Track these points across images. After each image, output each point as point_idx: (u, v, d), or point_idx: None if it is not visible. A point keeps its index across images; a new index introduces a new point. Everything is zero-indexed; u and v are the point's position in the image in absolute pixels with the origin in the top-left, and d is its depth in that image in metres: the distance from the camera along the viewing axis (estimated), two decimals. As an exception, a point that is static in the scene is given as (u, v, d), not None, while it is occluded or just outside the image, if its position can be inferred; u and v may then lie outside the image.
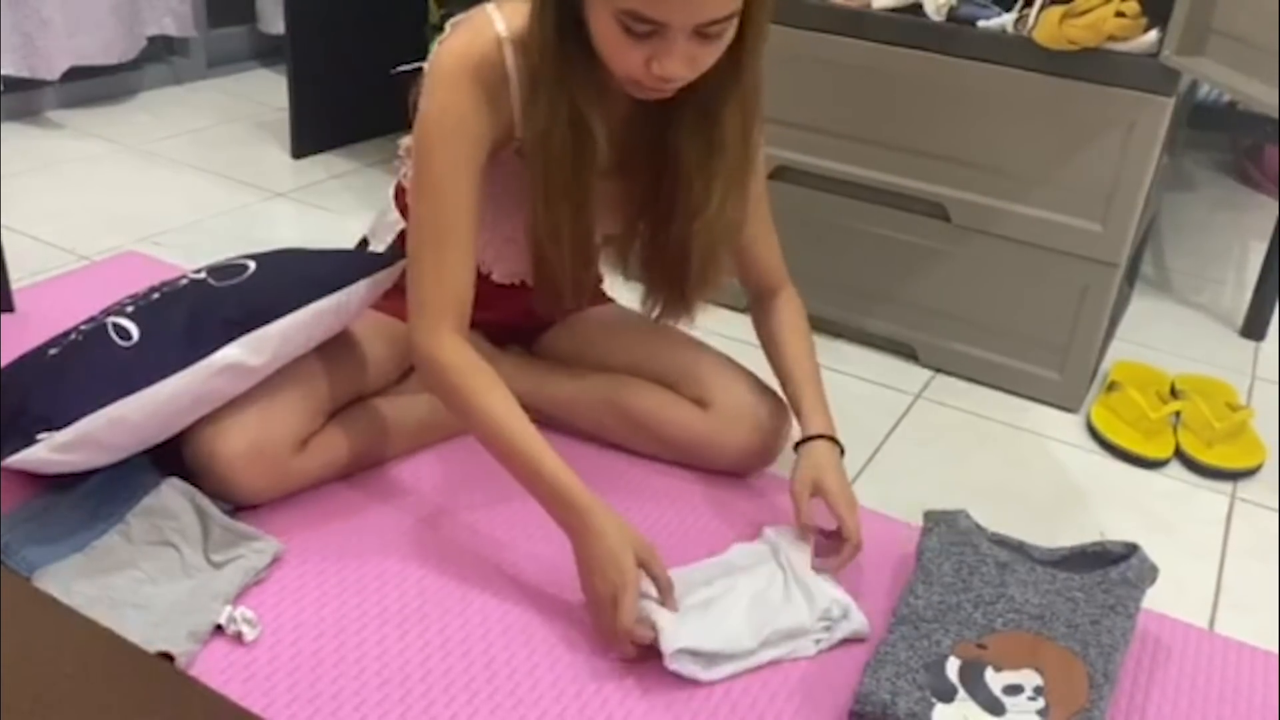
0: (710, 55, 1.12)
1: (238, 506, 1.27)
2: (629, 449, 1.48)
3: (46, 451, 1.15)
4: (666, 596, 1.14)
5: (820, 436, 1.31)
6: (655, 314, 1.40)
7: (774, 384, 1.45)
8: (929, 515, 1.32)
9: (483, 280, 1.38)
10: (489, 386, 1.20)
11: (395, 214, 1.46)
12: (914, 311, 1.83)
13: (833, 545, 1.26)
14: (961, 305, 1.78)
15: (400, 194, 1.45)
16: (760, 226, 1.40)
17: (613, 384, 1.47)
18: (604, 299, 1.61)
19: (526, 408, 1.50)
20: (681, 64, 1.09)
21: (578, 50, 1.14)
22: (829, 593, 1.20)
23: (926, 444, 1.63)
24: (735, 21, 1.11)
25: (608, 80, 1.17)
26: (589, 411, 1.48)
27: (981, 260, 1.74)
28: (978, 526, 1.30)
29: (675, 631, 1.10)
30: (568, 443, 1.49)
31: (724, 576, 1.22)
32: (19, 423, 1.17)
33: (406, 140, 1.36)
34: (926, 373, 1.83)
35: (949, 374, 1.83)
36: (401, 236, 1.45)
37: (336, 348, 1.37)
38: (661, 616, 1.11)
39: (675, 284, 1.35)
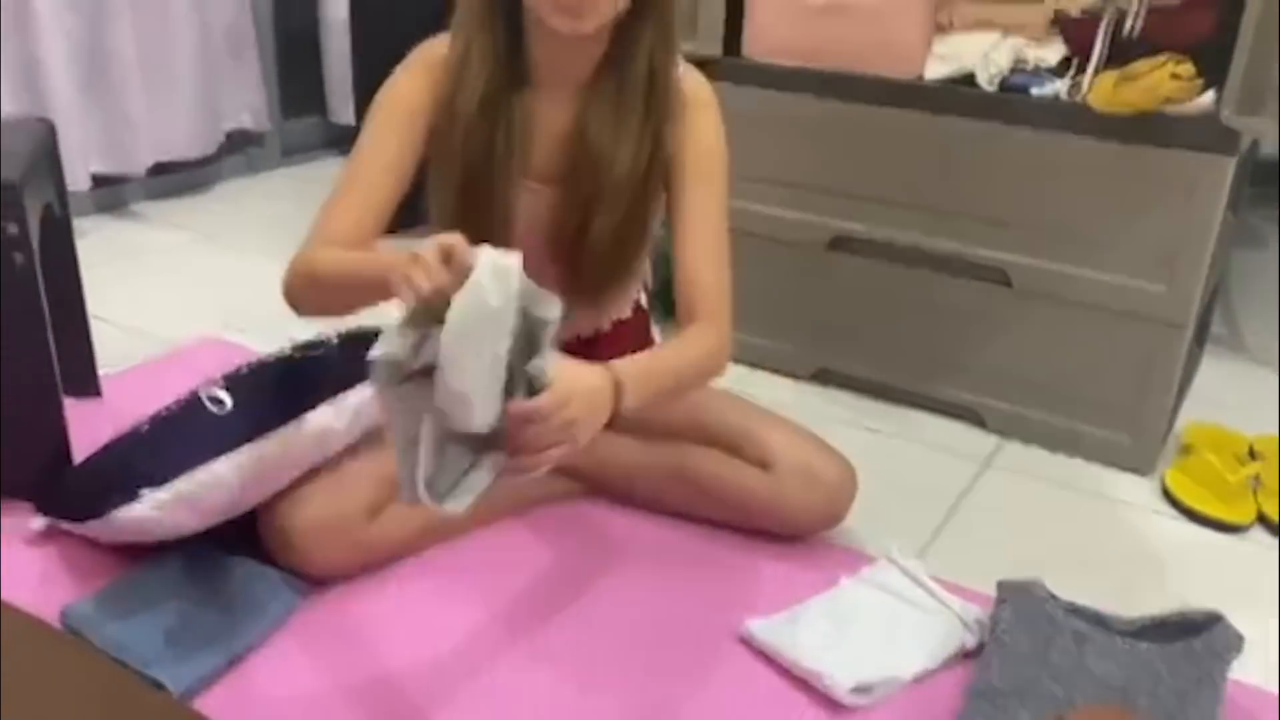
0: None
1: (313, 583, 1.30)
2: (691, 514, 1.48)
3: (148, 508, 1.21)
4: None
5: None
6: (627, 305, 1.43)
7: (839, 447, 1.45)
8: (1002, 586, 1.30)
9: None
10: (338, 254, 1.22)
11: None
12: (980, 377, 1.82)
13: None
14: (1028, 370, 1.77)
15: None
16: (700, 245, 1.32)
17: (675, 451, 1.48)
18: None
19: (589, 477, 1.52)
20: None
21: (503, 23, 1.23)
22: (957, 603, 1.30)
23: (997, 512, 1.61)
24: None
25: (540, 75, 1.26)
26: (652, 478, 1.49)
27: (1046, 324, 1.73)
28: (1053, 596, 1.28)
29: (841, 674, 1.18)
30: (629, 514, 1.50)
31: (848, 609, 1.30)
32: (122, 481, 1.24)
33: None
34: (995, 439, 1.81)
35: (1018, 440, 1.80)
36: None
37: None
38: (824, 663, 1.19)
39: (588, 263, 1.32)
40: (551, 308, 1.04)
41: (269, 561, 1.30)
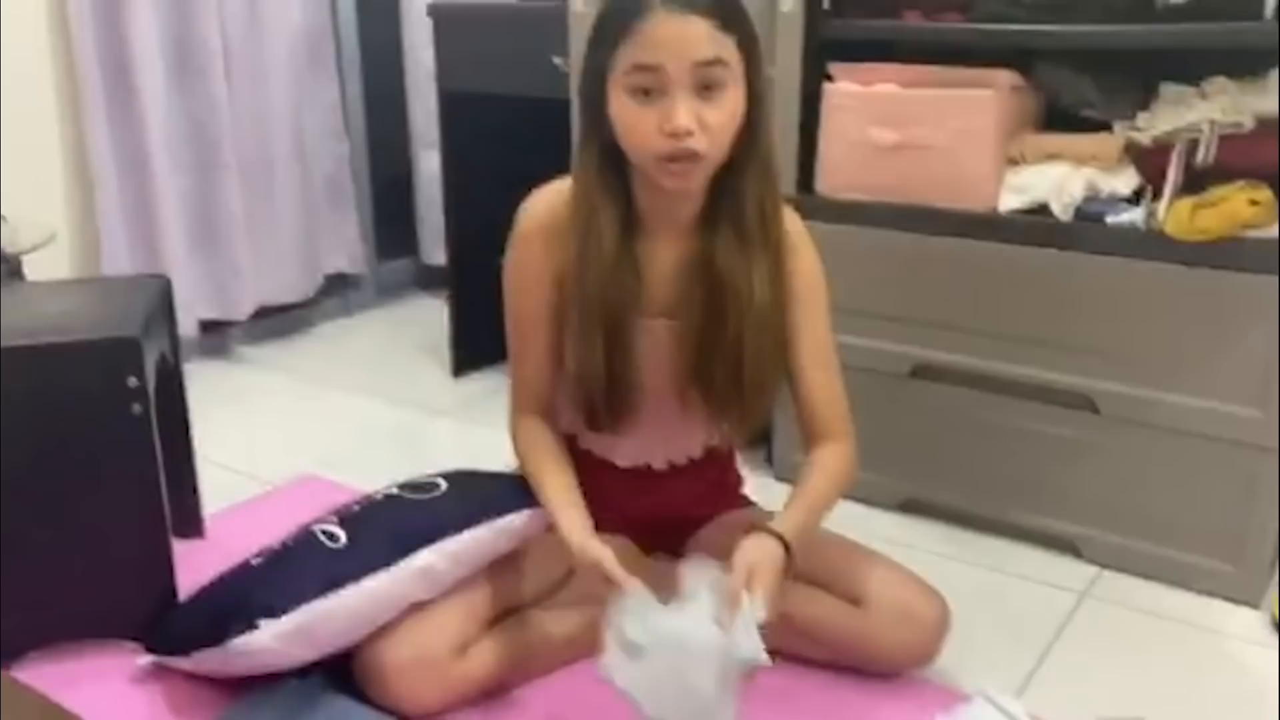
0: (716, 116, 1.24)
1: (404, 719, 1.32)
2: (780, 651, 1.46)
3: (267, 638, 1.26)
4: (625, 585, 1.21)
5: (771, 534, 1.28)
6: (718, 433, 1.49)
7: (928, 580, 1.43)
8: (1105, 725, 1.25)
9: (610, 469, 1.48)
10: (545, 467, 1.40)
11: None
12: (1072, 506, 1.78)
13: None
14: (1122, 498, 1.73)
15: None
16: (816, 359, 1.42)
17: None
18: (745, 502, 1.63)
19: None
20: (686, 114, 1.22)
21: (611, 178, 1.32)
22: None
23: (1098, 646, 1.56)
24: (735, 84, 1.25)
25: (649, 216, 1.34)
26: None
27: (1138, 451, 1.70)
28: (1160, 737, 1.23)
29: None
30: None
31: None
32: (241, 611, 1.29)
33: None
34: (1092, 569, 1.77)
35: (1116, 570, 1.75)
36: None
37: (500, 559, 1.43)
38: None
39: (729, 391, 1.38)
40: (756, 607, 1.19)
41: (362, 698, 1.32)
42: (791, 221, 1.41)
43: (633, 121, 1.25)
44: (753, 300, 1.35)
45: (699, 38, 1.21)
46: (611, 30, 1.25)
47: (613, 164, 1.32)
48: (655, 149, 1.25)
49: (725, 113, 1.25)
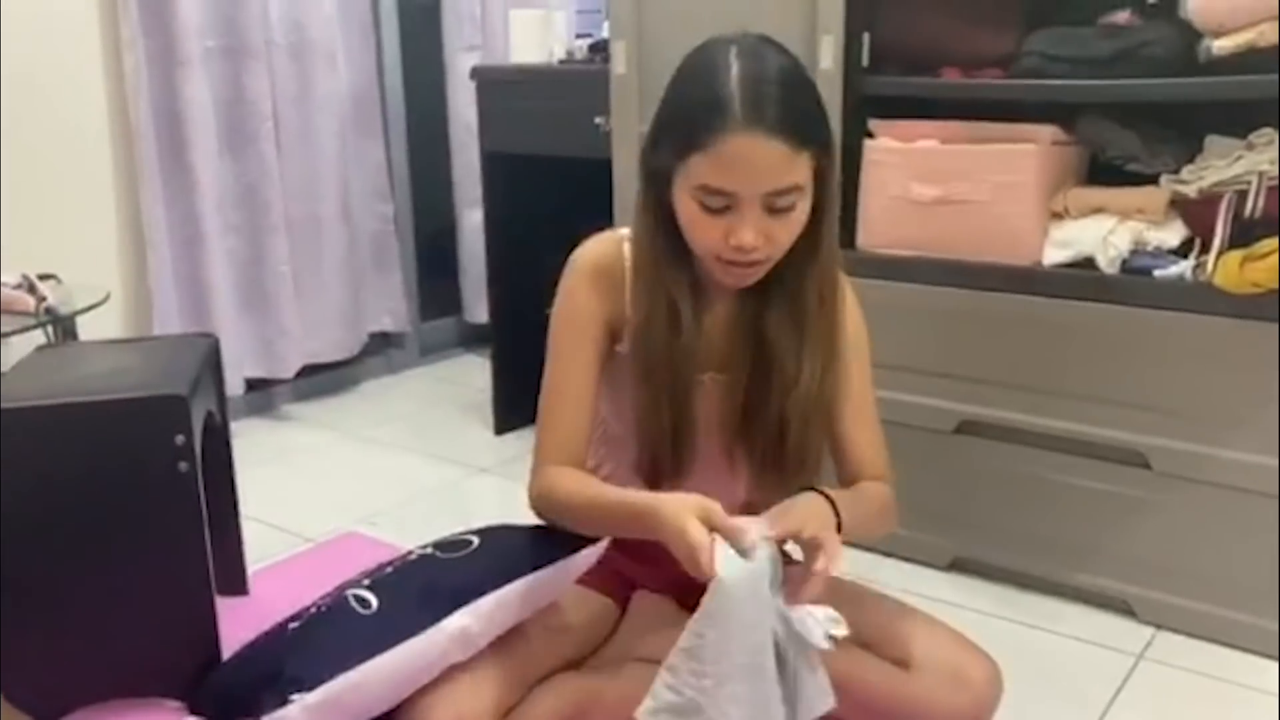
0: (784, 231, 1.23)
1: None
2: (824, 716, 1.43)
3: (299, 712, 1.24)
4: (734, 537, 1.17)
5: (812, 490, 1.26)
6: (749, 494, 1.44)
7: (979, 642, 1.40)
8: (1166, 794, 1.21)
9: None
10: (578, 484, 1.33)
11: None
12: (1125, 565, 1.74)
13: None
14: (1176, 556, 1.69)
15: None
16: (858, 416, 1.41)
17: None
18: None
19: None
20: (754, 234, 1.20)
21: (672, 245, 1.29)
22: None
23: (1156, 711, 1.52)
24: (805, 198, 1.22)
25: (705, 278, 1.32)
26: (782, 677, 1.46)
27: (1191, 508, 1.66)
28: (1224, 807, 1.18)
29: None
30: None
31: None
32: (274, 683, 1.27)
33: None
34: (1147, 630, 1.72)
35: (1172, 630, 1.71)
36: None
37: (539, 619, 1.42)
38: None
39: (770, 460, 1.37)
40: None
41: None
42: None
43: (698, 225, 1.25)
44: (798, 382, 1.33)
45: (774, 166, 1.19)
46: (687, 130, 1.23)
47: (673, 230, 1.31)
48: (717, 252, 1.25)
49: (793, 225, 1.25)
